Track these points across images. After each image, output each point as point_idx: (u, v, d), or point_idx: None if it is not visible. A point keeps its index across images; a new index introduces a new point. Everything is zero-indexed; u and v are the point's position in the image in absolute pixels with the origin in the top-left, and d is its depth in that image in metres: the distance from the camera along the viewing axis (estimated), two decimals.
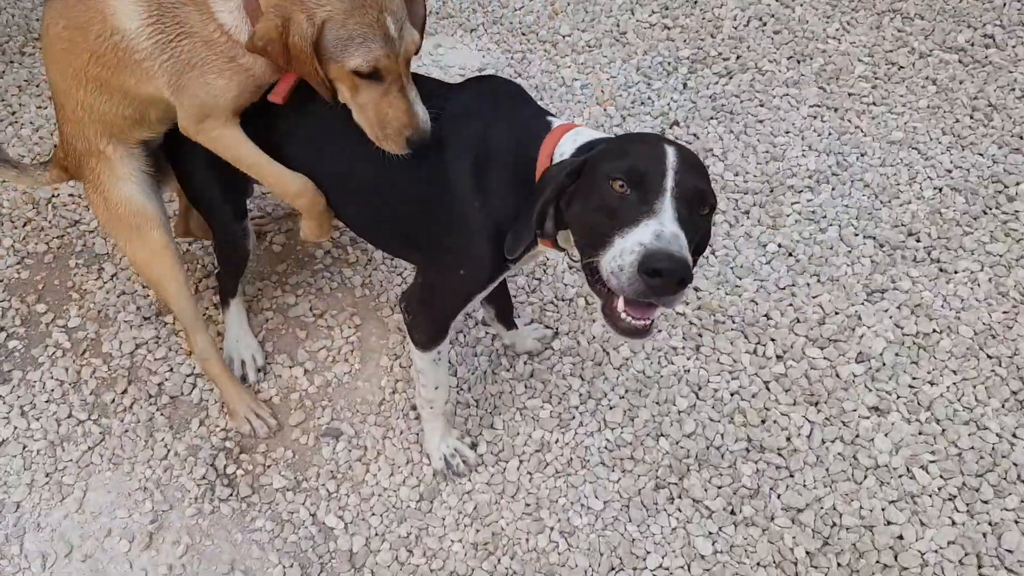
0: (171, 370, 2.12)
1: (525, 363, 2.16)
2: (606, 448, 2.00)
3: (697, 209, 1.28)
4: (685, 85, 2.92)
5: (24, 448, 1.97)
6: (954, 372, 2.15)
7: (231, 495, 1.91)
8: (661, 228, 1.19)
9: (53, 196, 2.50)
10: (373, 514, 1.89)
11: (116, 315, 2.23)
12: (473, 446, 1.98)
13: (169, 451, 1.98)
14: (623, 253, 1.19)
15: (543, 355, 2.18)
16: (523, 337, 2.15)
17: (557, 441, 2.01)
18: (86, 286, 2.29)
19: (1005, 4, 3.15)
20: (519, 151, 1.47)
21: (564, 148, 1.43)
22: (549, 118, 1.53)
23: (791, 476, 1.95)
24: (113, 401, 2.06)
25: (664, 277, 1.15)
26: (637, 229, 1.20)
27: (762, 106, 2.84)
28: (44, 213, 2.46)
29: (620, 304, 1.25)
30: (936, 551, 1.82)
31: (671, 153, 1.28)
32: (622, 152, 1.31)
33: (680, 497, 1.91)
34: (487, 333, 2.22)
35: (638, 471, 1.95)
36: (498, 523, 1.87)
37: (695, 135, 2.74)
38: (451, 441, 1.94)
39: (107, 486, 1.92)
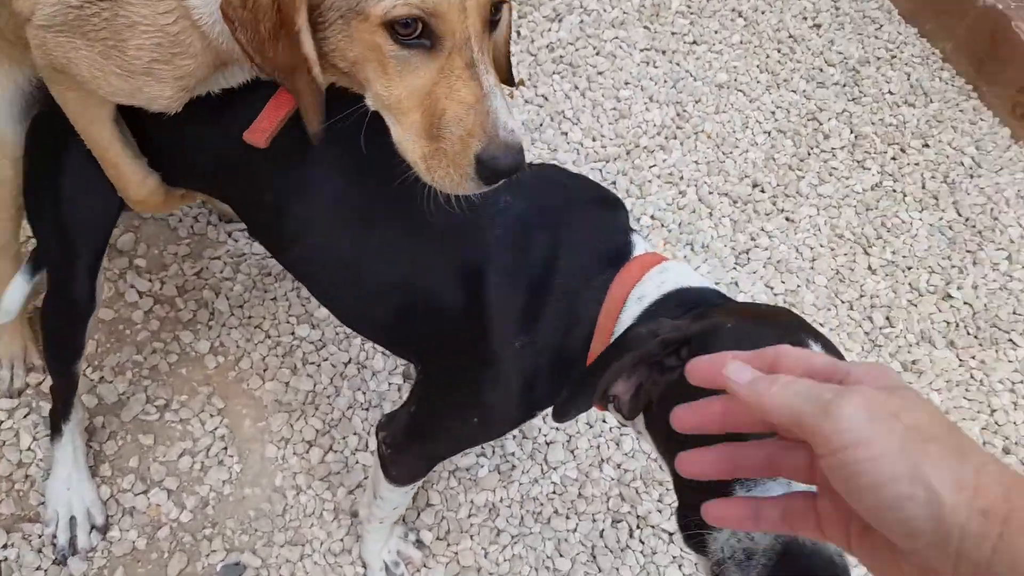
0: None
1: None
2: (555, 493, 1.69)
3: None
4: (519, 33, 2.43)
5: None
6: (822, 325, 2.12)
7: None
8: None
9: None
10: None
11: None
12: (418, 542, 1.56)
13: None
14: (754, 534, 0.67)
15: None
16: None
17: (503, 500, 1.66)
18: None
19: None
20: (586, 284, 0.98)
21: (645, 291, 0.94)
22: (632, 237, 1.02)
23: None
24: None
25: None
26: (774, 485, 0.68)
27: (598, 54, 2.47)
28: None
29: None
30: None
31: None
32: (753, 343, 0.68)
33: (639, 528, 1.70)
34: (391, 385, 1.74)
35: (592, 510, 1.69)
36: None
37: (544, 96, 2.32)
38: (393, 543, 1.50)
39: None
